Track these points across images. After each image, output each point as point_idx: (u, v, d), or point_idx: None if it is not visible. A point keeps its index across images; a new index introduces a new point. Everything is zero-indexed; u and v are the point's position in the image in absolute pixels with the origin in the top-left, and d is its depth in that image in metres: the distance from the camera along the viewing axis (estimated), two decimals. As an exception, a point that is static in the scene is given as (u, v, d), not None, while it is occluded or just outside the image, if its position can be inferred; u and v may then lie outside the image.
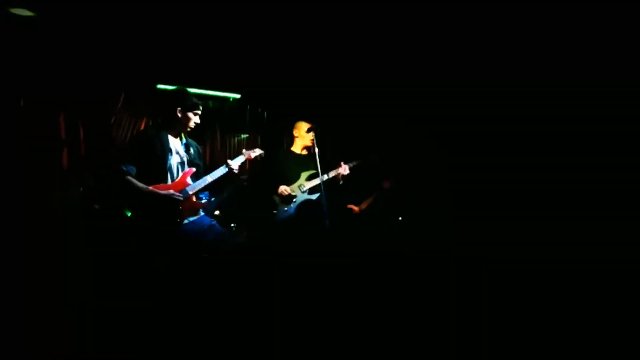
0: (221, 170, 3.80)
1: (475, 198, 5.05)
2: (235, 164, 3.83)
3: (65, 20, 4.37)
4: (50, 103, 4.74)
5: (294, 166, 4.68)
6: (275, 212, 4.59)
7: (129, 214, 4.39)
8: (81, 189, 4.51)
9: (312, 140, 4.58)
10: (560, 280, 3.93)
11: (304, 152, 4.77)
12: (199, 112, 3.77)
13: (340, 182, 4.59)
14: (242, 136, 5.98)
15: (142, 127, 5.30)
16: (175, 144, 3.73)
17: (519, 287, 3.89)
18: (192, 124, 3.75)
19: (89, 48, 4.74)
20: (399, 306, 3.63)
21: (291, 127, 4.83)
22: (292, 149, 4.82)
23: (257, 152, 4.10)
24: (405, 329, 3.25)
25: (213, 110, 5.68)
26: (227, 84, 5.60)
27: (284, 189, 4.56)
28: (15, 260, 3.42)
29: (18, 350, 2.76)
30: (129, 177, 3.46)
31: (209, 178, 3.75)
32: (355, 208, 5.56)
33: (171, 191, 3.53)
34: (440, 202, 5.39)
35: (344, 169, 4.60)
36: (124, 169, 3.47)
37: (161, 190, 3.51)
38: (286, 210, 4.53)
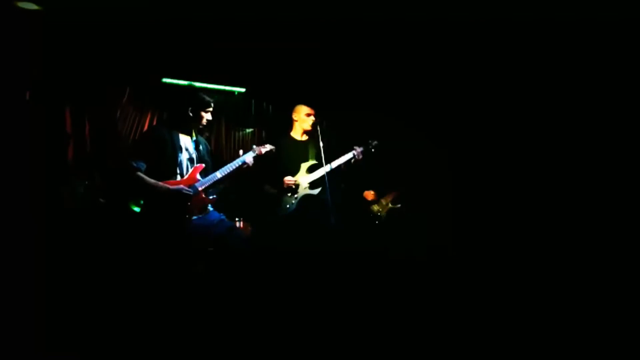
0: (233, 165, 3.81)
1: (475, 198, 5.07)
2: (249, 157, 3.86)
3: (70, 14, 4.37)
4: (57, 97, 4.76)
5: (293, 155, 4.62)
6: (278, 208, 4.57)
7: (135, 209, 4.43)
8: (87, 182, 4.53)
9: (312, 125, 4.56)
10: (559, 280, 3.95)
11: (304, 137, 4.74)
12: (211, 109, 3.76)
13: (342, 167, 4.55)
14: (247, 130, 5.98)
15: (147, 122, 5.30)
16: (185, 141, 3.73)
17: (519, 287, 3.91)
18: (204, 122, 3.75)
19: (94, 42, 4.74)
20: (398, 307, 3.64)
21: (291, 110, 4.78)
22: (292, 134, 4.75)
23: (267, 147, 4.08)
24: (405, 330, 3.26)
25: (218, 104, 5.67)
26: (232, 77, 5.60)
27: (288, 179, 4.53)
28: (19, 255, 3.43)
29: (19, 347, 2.78)
30: (139, 173, 3.47)
31: (219, 174, 3.75)
32: (372, 194, 5.48)
33: (181, 186, 3.55)
34: (439, 201, 5.39)
35: (358, 154, 4.57)
36: (134, 165, 3.47)
37: (171, 185, 3.53)
38: (288, 207, 4.51)
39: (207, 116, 3.75)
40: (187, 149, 3.72)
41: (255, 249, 3.84)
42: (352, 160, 4.53)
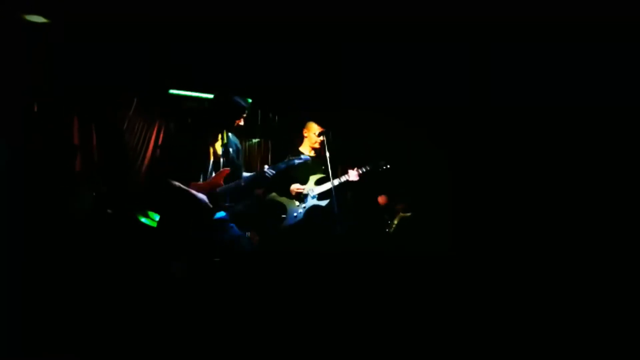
0: (255, 176, 3.77)
1: (476, 200, 5.05)
2: (270, 171, 3.76)
3: (77, 25, 4.40)
4: (64, 108, 4.78)
5: (302, 169, 4.64)
6: (283, 216, 4.57)
7: (143, 219, 4.43)
8: (94, 193, 4.53)
9: (321, 142, 4.56)
10: (560, 282, 3.92)
11: (312, 153, 4.74)
12: (245, 114, 3.66)
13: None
14: (254, 141, 5.99)
15: (155, 132, 5.32)
16: (215, 145, 3.66)
17: (519, 287, 3.88)
18: (235, 126, 3.67)
19: (101, 53, 4.76)
20: (399, 308, 3.62)
21: (301, 126, 4.79)
22: (301, 149, 4.76)
23: (302, 158, 4.02)
24: (405, 332, 3.25)
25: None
26: (239, 88, 5.61)
27: (296, 187, 4.54)
28: (24, 263, 3.43)
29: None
30: (170, 180, 3.46)
31: (242, 182, 3.69)
32: (384, 198, 5.49)
33: (204, 198, 3.50)
34: (440, 204, 5.38)
35: (354, 176, 4.58)
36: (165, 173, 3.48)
37: (194, 191, 3.49)
38: (295, 216, 4.51)
39: (240, 122, 3.65)
40: (214, 153, 3.65)
41: (261, 256, 3.84)
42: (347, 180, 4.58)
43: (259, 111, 5.92)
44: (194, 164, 3.55)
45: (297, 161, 3.95)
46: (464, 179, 5.18)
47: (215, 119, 3.63)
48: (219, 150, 3.66)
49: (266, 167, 3.78)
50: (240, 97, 3.63)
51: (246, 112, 3.63)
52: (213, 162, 3.63)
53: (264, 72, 5.20)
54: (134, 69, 4.96)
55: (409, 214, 5.47)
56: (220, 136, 3.67)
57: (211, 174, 3.60)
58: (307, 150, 4.73)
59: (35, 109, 4.57)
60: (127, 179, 4.88)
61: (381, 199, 5.51)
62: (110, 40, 4.57)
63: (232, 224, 3.68)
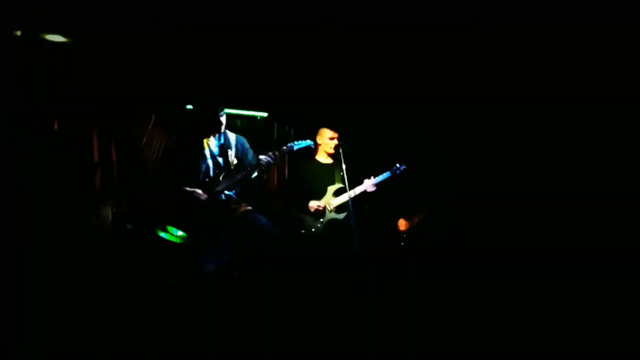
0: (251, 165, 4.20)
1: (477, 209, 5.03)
2: (266, 158, 4.20)
3: (96, 43, 4.45)
4: (84, 125, 4.83)
5: (319, 178, 4.68)
6: (303, 231, 4.57)
7: (162, 234, 4.46)
8: (114, 209, 4.56)
9: (335, 148, 4.58)
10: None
11: (329, 159, 4.75)
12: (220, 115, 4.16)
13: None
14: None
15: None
16: (207, 147, 4.20)
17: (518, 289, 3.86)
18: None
19: (119, 69, 4.82)
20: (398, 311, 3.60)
21: (314, 133, 4.83)
22: (317, 157, 4.80)
23: (301, 144, 4.43)
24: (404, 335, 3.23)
25: (241, 129, 5.72)
26: (255, 102, 5.65)
27: (314, 204, 4.54)
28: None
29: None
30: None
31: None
32: (404, 223, 5.36)
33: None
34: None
35: (370, 186, 4.57)
36: None
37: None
38: (314, 231, 4.52)
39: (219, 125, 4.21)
40: (213, 155, 4.20)
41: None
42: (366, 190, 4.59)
43: (275, 125, 5.95)
44: (188, 167, 4.10)
45: (296, 147, 4.31)
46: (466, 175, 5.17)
47: (193, 124, 4.24)
48: (215, 150, 4.17)
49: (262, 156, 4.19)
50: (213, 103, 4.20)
51: (221, 113, 4.16)
52: (213, 163, 4.15)
53: (275, 84, 5.25)
54: (151, 83, 5.03)
55: (423, 227, 5.38)
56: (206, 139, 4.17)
57: (213, 173, 4.14)
58: (323, 157, 4.75)
59: (55, 127, 4.64)
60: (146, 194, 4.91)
61: (401, 225, 5.36)
62: (128, 52, 4.64)
63: (256, 215, 4.07)
